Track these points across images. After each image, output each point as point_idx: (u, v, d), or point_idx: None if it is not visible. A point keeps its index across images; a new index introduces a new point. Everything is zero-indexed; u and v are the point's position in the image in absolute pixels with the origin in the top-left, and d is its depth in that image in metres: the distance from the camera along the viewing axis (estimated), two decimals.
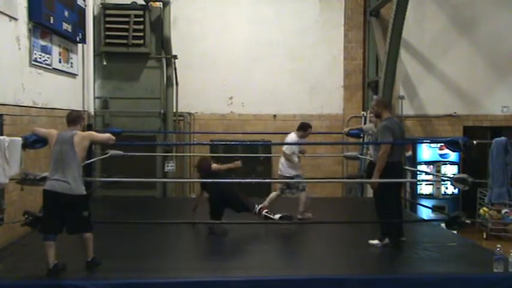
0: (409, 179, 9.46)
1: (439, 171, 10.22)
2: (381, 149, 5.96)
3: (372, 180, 6.07)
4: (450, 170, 10.25)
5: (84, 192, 4.94)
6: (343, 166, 10.92)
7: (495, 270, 4.98)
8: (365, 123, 10.07)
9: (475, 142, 5.88)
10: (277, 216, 6.80)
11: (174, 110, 10.28)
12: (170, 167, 9.89)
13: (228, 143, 10.03)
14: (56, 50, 7.77)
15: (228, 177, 7.27)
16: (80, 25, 8.62)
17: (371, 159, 7.77)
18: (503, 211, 9.63)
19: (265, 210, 6.81)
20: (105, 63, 9.74)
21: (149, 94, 9.88)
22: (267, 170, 10.50)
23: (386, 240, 5.99)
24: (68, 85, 8.54)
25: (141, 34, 9.62)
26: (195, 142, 10.61)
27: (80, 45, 8.92)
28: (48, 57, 7.46)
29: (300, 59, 10.92)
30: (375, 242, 6.02)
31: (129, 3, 9.90)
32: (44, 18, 7.04)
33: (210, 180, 6.58)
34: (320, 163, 10.59)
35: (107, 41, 9.60)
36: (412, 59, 10.82)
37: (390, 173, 5.92)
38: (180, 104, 10.35)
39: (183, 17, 10.69)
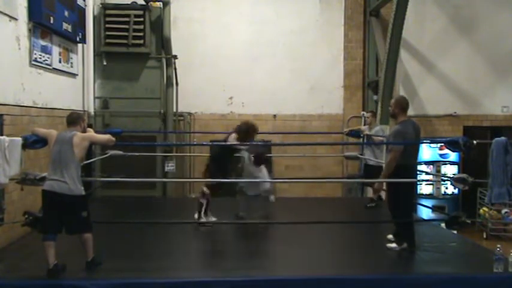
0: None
1: (439, 171, 10.23)
2: (390, 154, 5.81)
3: (371, 180, 6.04)
4: (450, 170, 10.27)
5: (83, 193, 4.94)
6: (343, 166, 10.91)
7: (495, 270, 4.98)
8: (365, 124, 10.08)
9: (475, 142, 5.85)
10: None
11: (174, 110, 10.27)
12: (170, 167, 9.89)
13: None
14: (56, 50, 7.77)
15: None
16: (80, 25, 8.61)
17: (369, 160, 7.78)
18: (503, 211, 9.64)
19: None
20: (105, 63, 9.73)
21: (149, 94, 9.87)
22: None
23: (405, 245, 5.84)
24: (68, 85, 8.54)
25: (141, 34, 9.60)
26: (195, 142, 10.61)
27: (80, 45, 8.91)
28: (48, 57, 7.45)
29: (299, 58, 10.91)
30: (393, 245, 5.88)
31: (129, 3, 9.89)
32: (44, 18, 7.03)
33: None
34: (320, 163, 10.59)
35: (107, 41, 9.59)
36: (412, 59, 10.83)
37: (403, 176, 5.74)
38: (180, 104, 10.34)
39: (183, 17, 10.68)
